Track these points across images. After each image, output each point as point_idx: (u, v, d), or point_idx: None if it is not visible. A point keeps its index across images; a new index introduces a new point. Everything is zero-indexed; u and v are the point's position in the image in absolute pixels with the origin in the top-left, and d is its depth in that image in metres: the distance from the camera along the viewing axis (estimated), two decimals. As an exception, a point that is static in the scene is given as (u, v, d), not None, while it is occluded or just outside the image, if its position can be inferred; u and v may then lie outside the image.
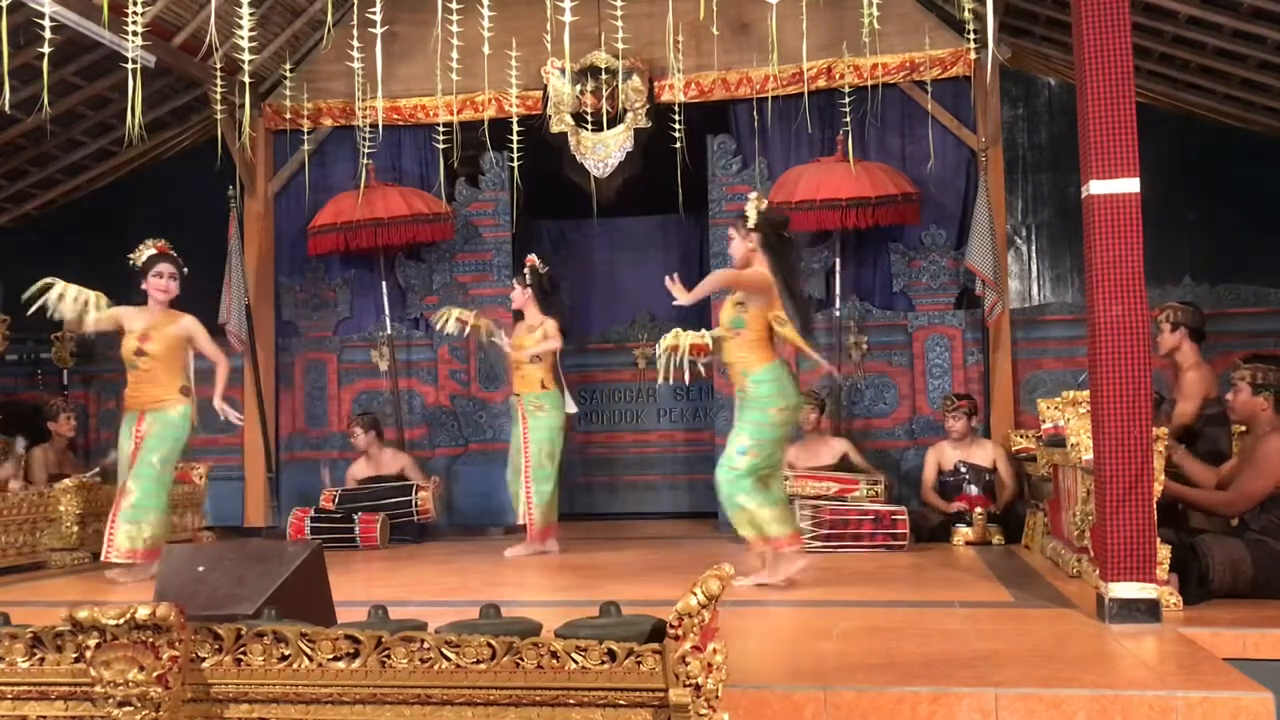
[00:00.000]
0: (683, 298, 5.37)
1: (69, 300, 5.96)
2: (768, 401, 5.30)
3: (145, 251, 6.33)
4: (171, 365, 6.28)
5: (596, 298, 9.94)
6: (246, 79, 7.16)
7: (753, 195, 5.66)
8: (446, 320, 7.14)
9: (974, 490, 7.27)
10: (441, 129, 7.83)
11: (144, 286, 6.31)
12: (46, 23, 4.83)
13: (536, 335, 7.01)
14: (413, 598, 5.28)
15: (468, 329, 7.13)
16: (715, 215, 8.63)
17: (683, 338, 5.60)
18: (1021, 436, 7.65)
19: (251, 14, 5.46)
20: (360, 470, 8.32)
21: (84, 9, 6.91)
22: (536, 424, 6.97)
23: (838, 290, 8.38)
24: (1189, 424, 5.39)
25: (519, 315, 7.23)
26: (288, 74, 8.49)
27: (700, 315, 9.55)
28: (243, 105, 6.82)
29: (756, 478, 5.30)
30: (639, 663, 2.40)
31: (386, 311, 8.96)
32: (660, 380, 5.62)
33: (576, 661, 2.42)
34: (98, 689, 2.53)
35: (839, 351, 8.36)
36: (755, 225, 5.42)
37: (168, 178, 9.42)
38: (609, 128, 8.50)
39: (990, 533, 6.98)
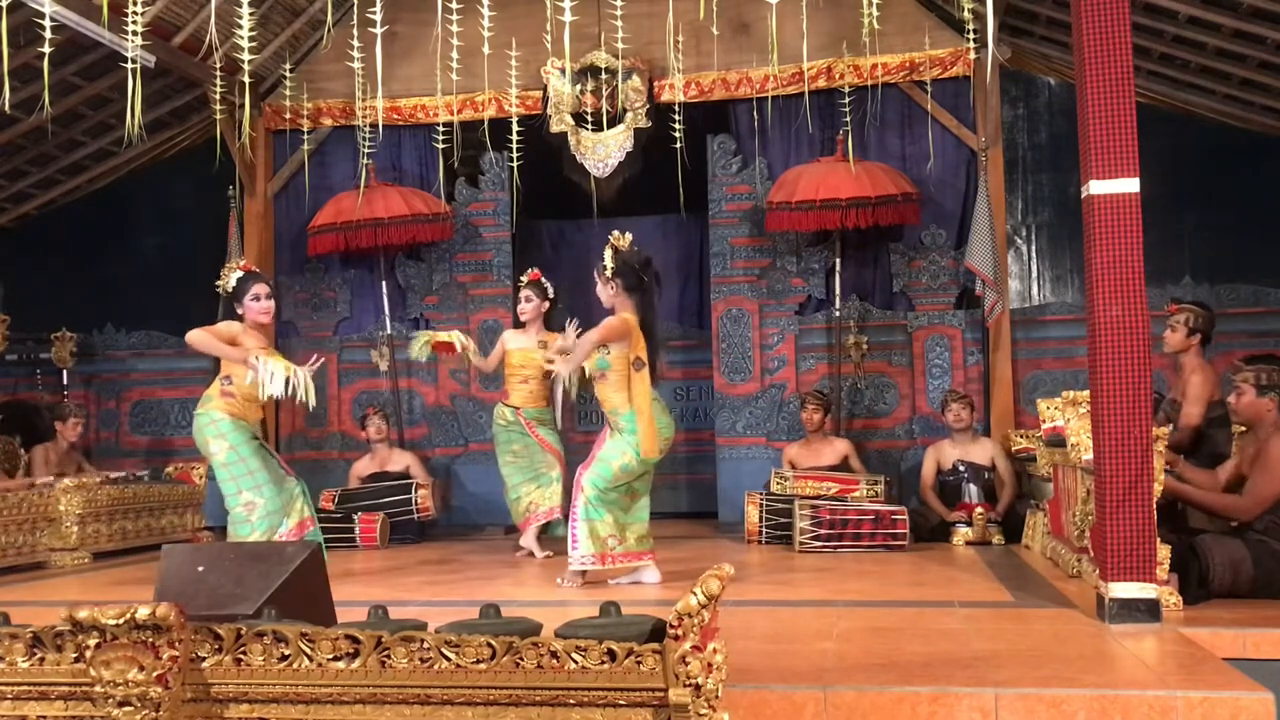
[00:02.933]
0: (563, 369, 5.80)
1: (278, 385, 5.58)
2: (640, 439, 5.51)
3: (234, 274, 5.82)
4: None
5: (597, 298, 9.91)
6: (246, 79, 7.16)
7: (614, 235, 5.73)
8: (424, 345, 7.06)
9: (973, 489, 7.27)
10: (441, 129, 7.82)
11: (242, 311, 5.76)
12: (47, 23, 4.81)
13: (551, 350, 6.98)
14: (413, 598, 5.28)
15: (462, 348, 7.05)
16: (715, 215, 8.64)
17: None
18: (1022, 436, 7.65)
19: (251, 14, 5.44)
20: (365, 467, 8.31)
21: (84, 9, 6.91)
22: (547, 434, 7.04)
23: (838, 290, 8.38)
24: (1197, 426, 5.36)
25: (517, 324, 7.23)
26: (288, 74, 8.49)
27: (699, 314, 9.58)
28: (243, 105, 6.82)
29: (617, 495, 5.59)
30: (639, 663, 2.40)
31: (386, 311, 8.96)
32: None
33: (576, 661, 2.42)
34: (98, 689, 2.53)
35: (839, 351, 8.37)
36: (614, 271, 5.60)
37: (168, 178, 9.43)
38: (609, 128, 8.50)
39: (990, 533, 6.98)
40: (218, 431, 5.68)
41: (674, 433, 5.78)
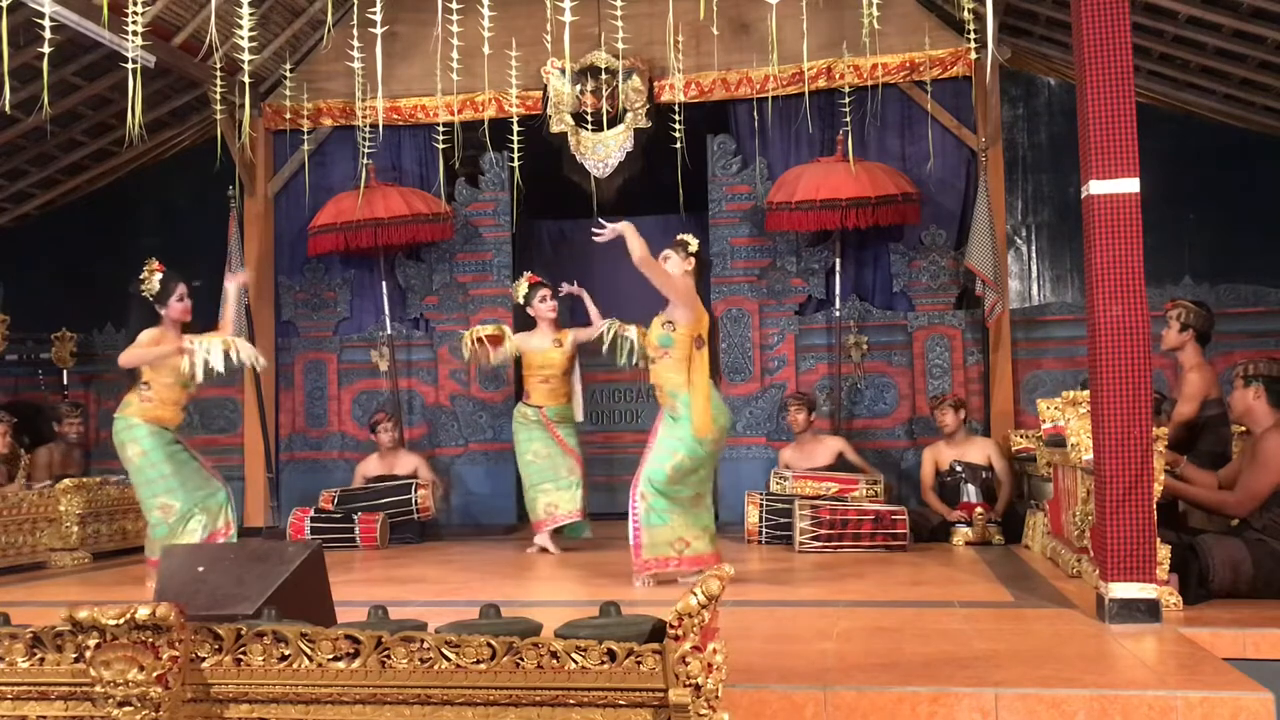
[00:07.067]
0: (631, 236, 5.26)
1: (218, 358, 5.79)
2: (695, 417, 5.37)
3: (156, 275, 5.96)
4: None
5: (597, 297, 9.90)
6: (246, 79, 7.16)
7: (684, 236, 5.73)
8: (469, 344, 7.17)
9: (971, 489, 7.27)
10: (441, 129, 7.83)
11: (165, 311, 5.93)
12: (46, 23, 4.82)
13: (567, 346, 7.18)
14: (413, 598, 5.28)
15: (501, 351, 7.14)
16: (715, 215, 8.64)
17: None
18: (1022, 436, 7.64)
19: (251, 14, 5.45)
20: (371, 468, 8.27)
21: (84, 9, 6.91)
22: (568, 434, 7.17)
23: (838, 290, 8.38)
24: (1188, 423, 5.38)
25: (520, 326, 7.33)
26: (288, 74, 8.49)
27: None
28: (243, 105, 6.82)
29: (682, 497, 5.44)
30: (639, 663, 2.40)
31: (386, 312, 8.96)
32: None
33: (576, 661, 2.42)
34: (98, 689, 2.53)
35: (839, 351, 8.37)
36: (696, 254, 5.57)
37: (168, 178, 9.43)
38: (609, 128, 8.50)
39: (990, 533, 6.98)
40: (132, 436, 5.88)
41: (729, 421, 5.65)
